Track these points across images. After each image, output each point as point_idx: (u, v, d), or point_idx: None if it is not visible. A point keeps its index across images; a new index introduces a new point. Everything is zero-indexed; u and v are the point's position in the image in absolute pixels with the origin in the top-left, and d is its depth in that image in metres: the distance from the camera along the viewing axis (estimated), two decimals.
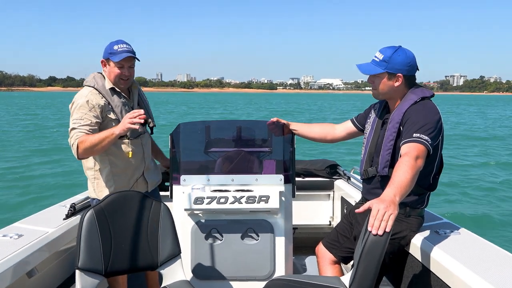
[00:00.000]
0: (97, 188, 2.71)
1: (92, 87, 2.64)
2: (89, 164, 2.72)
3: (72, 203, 2.74)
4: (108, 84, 2.67)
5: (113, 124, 2.60)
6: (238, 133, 3.06)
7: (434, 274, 2.07)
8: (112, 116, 2.65)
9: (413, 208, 2.32)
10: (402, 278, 2.40)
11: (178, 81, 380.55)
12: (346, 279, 2.19)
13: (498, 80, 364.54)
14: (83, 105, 2.56)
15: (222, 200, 2.62)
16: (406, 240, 2.32)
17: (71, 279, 2.54)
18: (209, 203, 2.62)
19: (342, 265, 2.67)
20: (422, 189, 2.30)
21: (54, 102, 73.51)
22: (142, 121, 2.41)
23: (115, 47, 2.61)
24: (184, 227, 2.73)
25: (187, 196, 2.63)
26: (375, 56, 2.33)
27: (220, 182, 2.76)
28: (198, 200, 2.61)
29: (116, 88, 2.69)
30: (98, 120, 2.58)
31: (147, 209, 2.35)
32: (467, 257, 1.97)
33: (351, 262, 2.61)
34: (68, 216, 2.65)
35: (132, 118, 2.39)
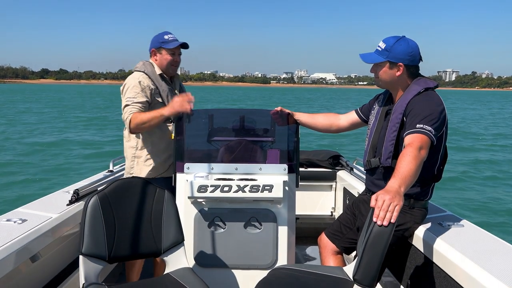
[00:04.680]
0: (137, 166, 2.90)
1: (143, 72, 2.86)
2: (132, 144, 2.92)
3: (76, 189, 2.72)
4: (158, 70, 2.91)
5: (159, 107, 2.79)
6: (241, 122, 3.04)
7: (437, 266, 2.08)
8: (159, 99, 2.87)
9: (417, 200, 2.32)
10: (404, 269, 2.41)
11: None
12: (349, 269, 2.19)
13: (489, 76, 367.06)
14: (136, 86, 2.79)
15: (226, 188, 2.61)
16: (409, 232, 2.32)
17: (75, 265, 2.52)
18: (212, 191, 2.61)
19: (344, 256, 2.68)
20: (427, 180, 2.30)
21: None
22: (192, 105, 2.61)
23: (166, 37, 2.87)
24: (187, 215, 2.71)
25: (191, 184, 2.61)
26: (378, 46, 2.34)
27: (224, 170, 2.75)
28: (202, 188, 2.60)
29: (164, 75, 2.92)
30: (148, 100, 2.81)
31: (151, 196, 2.35)
32: (470, 249, 1.98)
33: (353, 253, 2.62)
34: (71, 202, 2.63)
35: (182, 102, 2.60)
